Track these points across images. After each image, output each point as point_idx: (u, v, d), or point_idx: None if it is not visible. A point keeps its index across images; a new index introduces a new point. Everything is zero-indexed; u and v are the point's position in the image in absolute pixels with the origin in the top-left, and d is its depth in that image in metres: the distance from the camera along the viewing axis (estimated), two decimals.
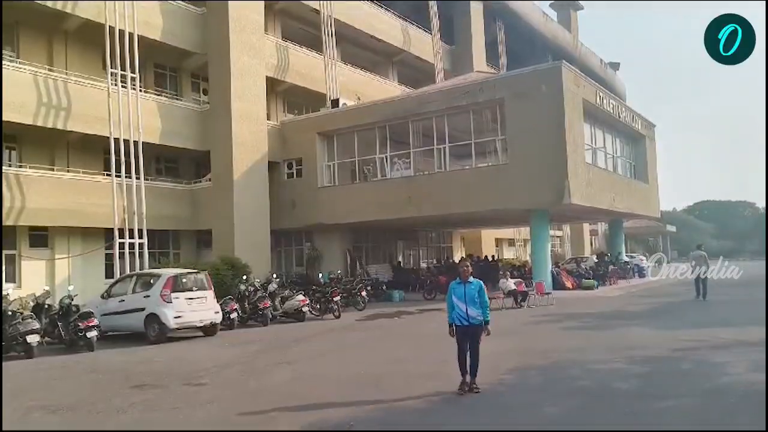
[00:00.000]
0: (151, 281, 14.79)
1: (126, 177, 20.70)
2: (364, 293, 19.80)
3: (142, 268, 19.88)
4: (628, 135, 30.57)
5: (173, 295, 14.17)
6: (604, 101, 26.10)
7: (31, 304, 14.70)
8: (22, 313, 13.25)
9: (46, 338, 13.59)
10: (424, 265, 33.39)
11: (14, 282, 19.17)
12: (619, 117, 28.04)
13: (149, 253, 21.27)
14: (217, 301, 15.43)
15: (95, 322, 13.24)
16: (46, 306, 14.34)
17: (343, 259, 26.93)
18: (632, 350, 10.30)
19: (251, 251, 22.62)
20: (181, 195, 24.19)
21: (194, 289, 14.77)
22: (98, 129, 20.57)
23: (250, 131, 24.17)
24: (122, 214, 20.55)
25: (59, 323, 13.55)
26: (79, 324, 13.05)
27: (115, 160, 20.35)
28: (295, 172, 27.34)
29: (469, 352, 7.58)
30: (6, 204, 18.47)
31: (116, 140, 20.42)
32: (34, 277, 19.34)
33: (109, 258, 20.98)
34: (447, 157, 24.60)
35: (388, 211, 24.79)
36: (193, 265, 19.11)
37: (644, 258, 34.58)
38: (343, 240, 27.50)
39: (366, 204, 25.02)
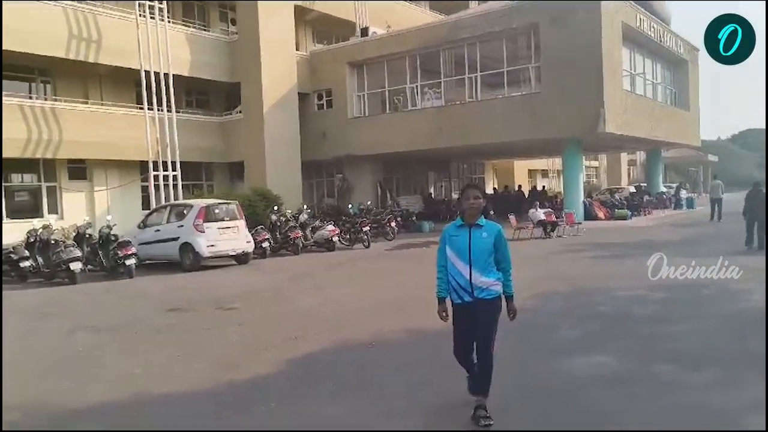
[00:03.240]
0: (185, 212, 15.19)
1: (158, 109, 20.91)
2: (393, 224, 19.98)
3: (176, 199, 20.35)
4: (670, 60, 29.34)
5: (206, 224, 14.56)
6: (645, 24, 24.96)
7: (73, 234, 15.30)
8: (64, 242, 13.83)
9: (89, 266, 14.19)
10: (455, 196, 33.34)
11: (56, 213, 19.92)
12: (661, 41, 26.86)
13: (183, 184, 21.70)
14: (249, 231, 15.80)
15: (133, 250, 13.75)
16: (87, 235, 14.89)
17: (373, 191, 27.06)
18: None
19: (283, 182, 22.87)
20: (213, 127, 24.40)
21: (226, 219, 15.13)
22: (128, 61, 20.66)
23: (279, 62, 23.96)
24: (156, 147, 20.89)
25: (100, 252, 14.12)
26: (118, 252, 13.58)
27: (147, 92, 20.52)
28: (325, 103, 27.20)
29: (476, 350, 4.51)
30: (44, 137, 18.95)
31: (146, 72, 20.52)
32: (75, 209, 20.00)
33: (145, 190, 21.52)
34: (479, 87, 24.11)
35: (418, 141, 24.63)
36: (226, 196, 19.49)
37: (685, 189, 33.75)
38: (374, 171, 27.54)
39: (396, 135, 24.86)
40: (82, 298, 11.46)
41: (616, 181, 45.84)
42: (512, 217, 19.54)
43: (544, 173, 43.23)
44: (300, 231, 17.41)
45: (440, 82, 25.04)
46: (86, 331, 8.42)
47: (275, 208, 18.90)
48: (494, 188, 35.56)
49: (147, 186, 21.02)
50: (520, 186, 34.67)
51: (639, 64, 26.16)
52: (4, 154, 18.71)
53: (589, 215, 23.47)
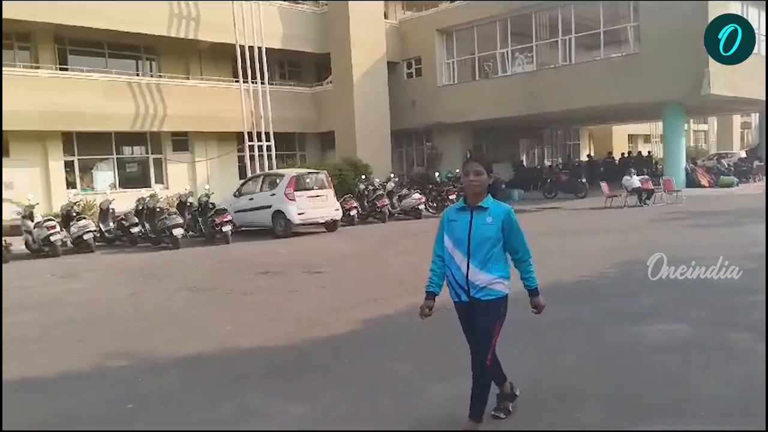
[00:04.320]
0: (277, 181, 15.85)
1: (252, 82, 21.77)
2: None
3: (270, 169, 21.21)
4: None
5: (296, 193, 15.15)
6: None
7: (176, 202, 16.39)
8: (168, 210, 14.86)
9: (190, 232, 15.20)
10: (548, 163, 32.48)
11: (162, 183, 21.40)
12: None
13: (277, 154, 22.60)
14: (338, 200, 16.28)
15: (229, 217, 14.57)
16: (188, 204, 15.90)
17: (463, 158, 26.84)
18: (753, 247, 9.69)
19: (372, 151, 23.24)
20: (305, 98, 25.07)
21: (315, 188, 15.66)
22: (225, 37, 21.56)
23: (369, 32, 24.13)
24: (251, 119, 21.81)
25: (199, 219, 15.08)
26: (215, 219, 14.44)
27: (242, 66, 21.39)
28: (414, 71, 27.18)
29: (472, 362, 3.67)
30: (150, 111, 20.27)
31: (242, 47, 21.37)
32: (179, 178, 21.35)
33: (241, 160, 22.57)
34: (573, 49, 23.21)
35: (509, 108, 24.15)
36: (317, 165, 20.13)
37: None
38: (464, 139, 27.34)
39: (486, 102, 24.49)
40: (183, 261, 12.35)
41: (727, 146, 42.81)
42: (604, 185, 18.88)
43: (646, 138, 41.12)
44: (387, 199, 17.72)
45: (532, 46, 24.31)
46: (186, 291, 9.12)
47: (363, 176, 19.29)
48: (588, 155, 34.31)
49: (243, 156, 22.04)
50: (610, 152, 33.25)
51: (753, 17, 24.11)
52: (117, 129, 20.33)
53: (692, 182, 22.22)
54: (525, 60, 25.07)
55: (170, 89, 21.02)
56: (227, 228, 14.39)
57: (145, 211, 14.87)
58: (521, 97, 23.50)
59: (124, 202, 16.20)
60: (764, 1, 21.62)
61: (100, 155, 20.80)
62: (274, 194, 15.46)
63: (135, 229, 14.51)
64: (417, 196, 18.09)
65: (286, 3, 24.45)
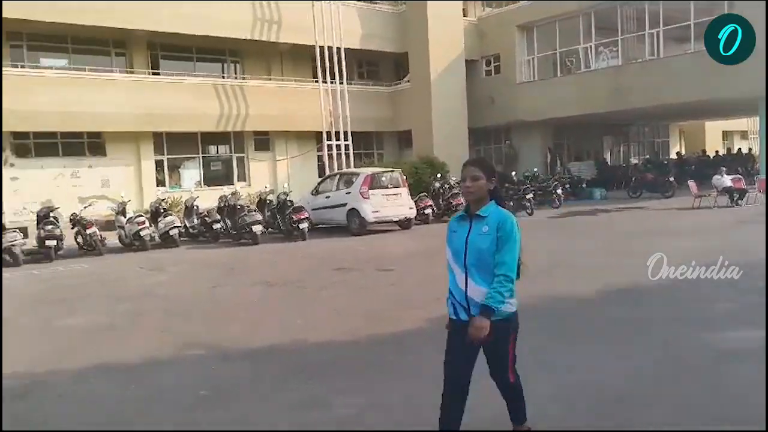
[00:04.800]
0: (352, 179, 16.11)
1: (331, 82, 22.22)
2: (559, 191, 19.40)
3: (348, 167, 21.57)
4: None
5: (371, 191, 15.35)
6: None
7: (256, 199, 16.97)
8: (248, 207, 15.42)
9: (269, 228, 15.70)
10: (634, 161, 31.22)
11: (244, 181, 22.25)
12: None
13: (355, 153, 22.95)
14: (413, 198, 16.35)
15: (306, 215, 14.96)
16: (268, 201, 16.43)
17: (542, 157, 26.33)
18: None
19: (449, 150, 23.12)
20: (382, 97, 25.31)
21: (390, 186, 15.81)
22: (305, 38, 22.10)
23: (447, 30, 24.05)
24: (329, 118, 22.27)
25: (278, 216, 15.56)
26: (293, 217, 14.85)
27: (321, 66, 21.87)
28: (493, 68, 26.84)
29: (495, 381, 3.46)
30: (234, 112, 21.10)
31: (321, 48, 21.85)
32: (260, 177, 22.07)
33: (320, 159, 23.07)
34: (661, 42, 22.19)
35: (592, 104, 23.40)
36: (394, 164, 20.32)
37: None
38: (544, 137, 26.75)
39: (568, 98, 23.81)
40: (261, 257, 12.80)
41: None
42: (692, 183, 17.96)
43: (743, 134, 38.69)
44: (462, 198, 17.58)
45: (617, 40, 23.45)
46: (262, 285, 9.48)
47: (438, 175, 19.26)
48: (678, 153, 32.70)
49: (322, 155, 22.52)
50: (704, 150, 31.52)
51: None
52: (203, 129, 21.31)
53: None
54: (609, 55, 24.24)
55: (253, 90, 21.79)
56: (304, 225, 14.77)
57: (227, 209, 15.49)
58: (605, 93, 22.71)
59: (209, 199, 16.91)
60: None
61: (187, 154, 21.87)
62: (349, 192, 15.72)
63: (217, 226, 15.14)
64: None
65: (364, 3, 24.76)
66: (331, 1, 22.11)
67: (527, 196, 17.77)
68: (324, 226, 16.75)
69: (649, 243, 10.48)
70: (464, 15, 25.81)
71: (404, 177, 16.62)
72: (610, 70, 23.38)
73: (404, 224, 15.96)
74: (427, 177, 20.39)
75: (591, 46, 24.05)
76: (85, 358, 5.86)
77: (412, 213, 16.04)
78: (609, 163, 29.75)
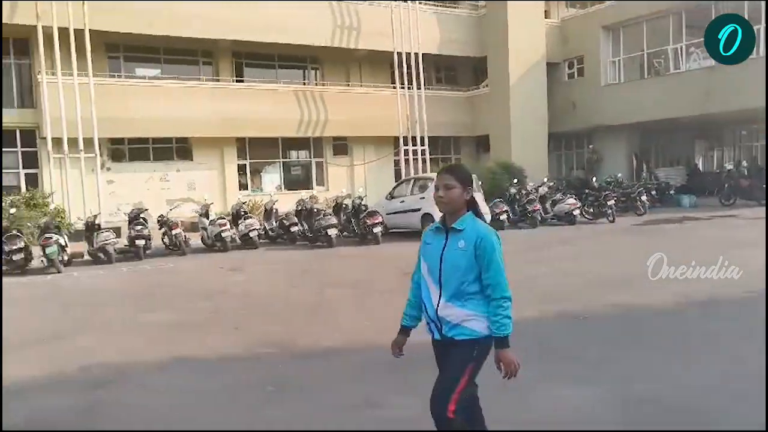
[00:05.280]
0: (427, 184, 16.08)
1: (408, 88, 22.36)
2: (644, 197, 18.61)
3: (424, 172, 21.60)
4: None
5: None
6: None
7: (333, 203, 17.30)
8: (324, 211, 15.74)
9: (344, 232, 15.96)
10: (729, 166, 29.44)
11: (323, 185, 22.75)
12: None
13: (431, 158, 22.97)
14: (487, 204, 16.16)
15: (380, 219, 15.09)
16: (344, 205, 16.70)
17: (627, 162, 25.35)
18: None
19: (528, 155, 22.76)
20: (460, 102, 25.20)
21: None
22: (383, 44, 22.35)
23: (528, 33, 23.65)
24: (406, 123, 22.41)
25: (352, 220, 15.78)
26: (367, 221, 15.03)
27: (399, 72, 22.05)
28: (576, 71, 26.14)
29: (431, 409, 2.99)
30: (313, 117, 21.64)
31: (399, 54, 22.04)
32: (338, 181, 22.48)
33: (397, 164, 23.23)
34: (762, 40, 20.87)
35: (682, 107, 22.30)
36: (472, 169, 20.03)
37: None
38: (629, 141, 25.74)
39: (656, 101, 22.82)
40: (336, 260, 13.03)
41: None
42: None
43: None
44: (539, 204, 17.26)
45: None
46: (333, 287, 9.66)
47: (515, 180, 18.95)
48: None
49: (398, 160, 22.68)
50: None
51: None
52: (284, 134, 21.97)
53: None
54: (701, 55, 23.02)
55: (332, 96, 22.26)
56: (378, 229, 14.91)
57: (304, 212, 15.86)
58: (696, 95, 21.59)
59: (288, 203, 17.39)
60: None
61: (269, 159, 22.61)
62: (423, 197, 15.72)
63: (294, 228, 15.53)
64: (571, 201, 17.38)
65: (443, 8, 24.75)
66: (410, 6, 22.26)
67: (608, 203, 17.16)
68: (398, 230, 16.84)
69: (735, 253, 9.89)
70: (546, 17, 25.28)
71: (479, 182, 16.45)
72: (702, 72, 22.22)
73: None
74: (504, 182, 20.08)
75: (681, 47, 22.97)
76: (165, 351, 6.19)
77: (487, 219, 15.69)
78: (701, 168, 28.25)
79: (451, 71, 26.98)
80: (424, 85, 22.94)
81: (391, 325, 6.79)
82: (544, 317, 6.83)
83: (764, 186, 19.87)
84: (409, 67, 22.25)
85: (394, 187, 17.99)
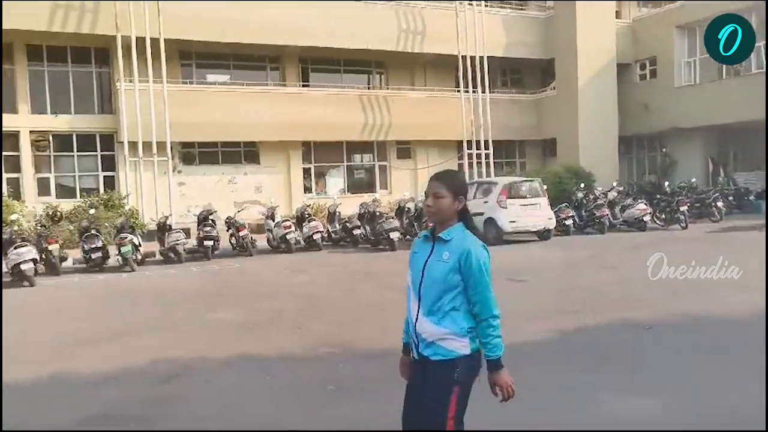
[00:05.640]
0: (490, 188, 15.94)
1: (473, 91, 22.22)
2: (720, 203, 17.79)
3: (488, 176, 21.37)
4: None
5: (508, 201, 15.09)
6: None
7: (395, 207, 17.33)
8: (387, 215, 15.79)
9: (406, 236, 15.94)
10: None
11: (386, 189, 22.87)
12: None
13: (496, 162, 22.73)
14: (552, 209, 15.85)
15: None
16: (407, 209, 16.71)
17: (703, 166, 24.29)
18: None
19: (596, 159, 22.17)
20: (526, 105, 24.83)
21: (528, 196, 15.44)
22: (448, 48, 22.26)
23: (597, 33, 23.05)
24: (470, 127, 22.27)
25: (415, 223, 15.77)
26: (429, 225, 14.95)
27: (463, 76, 21.95)
28: (648, 72, 25.28)
29: None
30: (377, 121, 21.81)
31: (464, 57, 21.94)
32: (402, 185, 22.52)
33: (460, 168, 23.06)
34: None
35: (764, 108, 21.17)
36: (537, 173, 19.87)
37: None
38: (705, 145, 24.64)
39: (735, 102, 21.73)
40: (397, 264, 13.02)
41: None
42: None
43: None
44: (607, 209, 16.76)
45: None
46: (390, 291, 9.67)
47: (582, 185, 18.49)
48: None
49: (462, 164, 22.55)
50: None
51: None
52: (348, 138, 22.24)
53: None
54: None
55: (396, 100, 22.37)
56: None
57: (367, 215, 15.97)
58: None
59: (351, 206, 17.56)
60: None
61: (333, 163, 22.91)
62: (486, 202, 15.57)
63: (357, 231, 15.66)
64: (641, 206, 16.78)
65: (509, 9, 24.45)
66: (476, 8, 22.12)
67: (681, 209, 16.48)
68: None
69: None
70: (617, 17, 24.56)
71: (544, 187, 16.16)
72: None
73: (543, 235, 15.49)
74: (571, 187, 19.63)
75: (763, 45, 21.81)
76: (230, 349, 6.37)
77: (552, 224, 15.53)
78: None
79: (517, 74, 26.60)
80: (489, 88, 22.70)
81: None
82: (610, 325, 6.65)
83: None
84: (474, 70, 22.09)
85: None
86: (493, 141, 22.66)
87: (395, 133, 22.34)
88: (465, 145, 22.16)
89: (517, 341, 6.15)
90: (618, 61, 23.84)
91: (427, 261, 2.75)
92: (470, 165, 22.18)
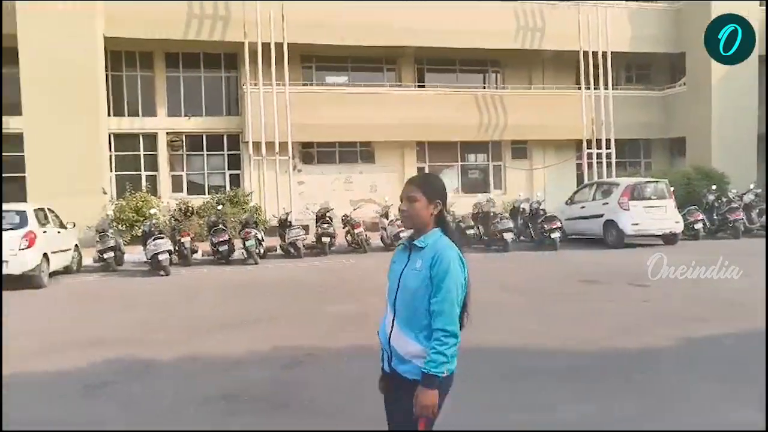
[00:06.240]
0: (611, 189, 15.32)
1: (595, 88, 21.41)
2: None
3: (609, 177, 20.49)
4: None
5: (631, 203, 14.42)
6: None
7: (510, 207, 17.10)
8: (501, 215, 15.62)
9: (520, 237, 15.72)
10: None
11: (500, 189, 22.55)
12: None
13: (618, 162, 21.77)
14: (680, 211, 14.96)
15: (558, 224, 14.63)
16: (522, 209, 16.43)
17: None
18: None
19: (731, 159, 20.60)
20: (652, 102, 23.53)
21: (653, 198, 14.69)
22: (569, 45, 21.57)
23: None
24: (590, 126, 21.46)
25: (529, 224, 15.49)
26: (545, 226, 14.65)
27: (584, 73, 21.20)
28: None
29: None
30: (492, 121, 21.57)
31: (585, 53, 21.19)
32: (516, 185, 22.11)
33: (579, 168, 22.30)
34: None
35: None
36: (663, 174, 18.85)
37: None
38: None
39: None
40: (510, 264, 12.90)
41: None
42: None
43: None
44: (742, 212, 15.55)
45: None
46: (504, 291, 9.62)
47: (713, 187, 17.26)
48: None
49: (581, 164, 21.79)
50: None
51: None
52: (462, 138, 22.20)
53: None
54: None
55: (512, 99, 21.99)
56: (556, 235, 14.48)
57: (480, 215, 15.88)
58: None
59: (465, 206, 17.51)
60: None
61: (447, 162, 22.91)
62: (606, 203, 14.98)
63: (470, 231, 15.61)
64: None
65: (634, 4, 23.26)
66: (599, 3, 21.28)
67: None
68: (578, 237, 16.18)
69: None
70: (761, 4, 22.59)
71: (671, 188, 15.27)
72: None
73: (669, 239, 14.65)
74: (701, 189, 18.37)
75: None
76: (346, 339, 6.66)
77: (679, 227, 14.63)
78: None
79: (643, 69, 25.24)
80: (612, 84, 21.77)
81: (562, 332, 6.68)
82: (740, 334, 6.24)
83: None
84: (596, 66, 21.26)
85: (575, 192, 17.31)
86: (615, 140, 21.70)
87: (511, 132, 21.98)
88: (584, 144, 21.36)
89: (631, 346, 6.04)
90: (760, 52, 21.87)
91: (402, 271, 2.63)
92: (589, 165, 21.36)
